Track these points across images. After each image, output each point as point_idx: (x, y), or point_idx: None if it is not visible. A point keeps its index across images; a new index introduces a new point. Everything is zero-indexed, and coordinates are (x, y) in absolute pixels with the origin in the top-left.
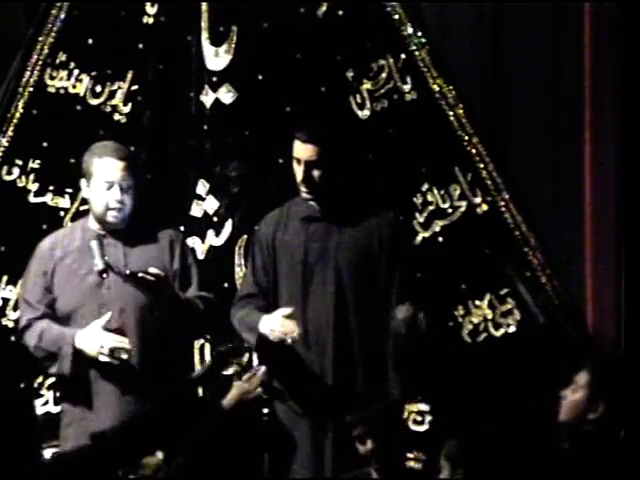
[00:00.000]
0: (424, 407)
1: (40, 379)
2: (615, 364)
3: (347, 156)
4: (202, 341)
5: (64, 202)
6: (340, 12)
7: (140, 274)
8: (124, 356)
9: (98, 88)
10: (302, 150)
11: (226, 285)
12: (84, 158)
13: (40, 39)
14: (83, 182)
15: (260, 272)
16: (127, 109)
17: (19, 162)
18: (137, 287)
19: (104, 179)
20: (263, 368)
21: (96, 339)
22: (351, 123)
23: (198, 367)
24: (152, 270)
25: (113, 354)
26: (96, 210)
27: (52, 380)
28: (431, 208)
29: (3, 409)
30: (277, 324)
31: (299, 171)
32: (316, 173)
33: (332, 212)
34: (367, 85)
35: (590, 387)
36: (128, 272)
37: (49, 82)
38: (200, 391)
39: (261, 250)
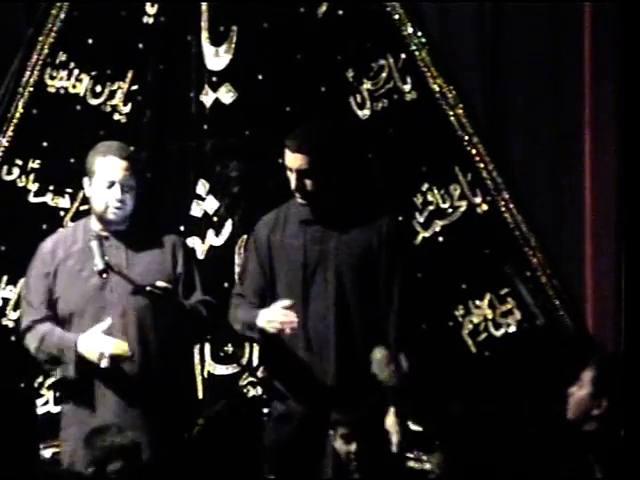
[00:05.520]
0: None
1: (40, 379)
2: (618, 360)
3: (340, 163)
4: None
5: (64, 202)
6: (340, 12)
7: (148, 287)
8: (124, 364)
9: (98, 88)
10: (292, 159)
11: (226, 285)
12: (88, 156)
13: (40, 39)
14: (86, 180)
15: (255, 274)
16: (127, 109)
17: (19, 162)
18: (144, 297)
19: (106, 178)
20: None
21: (96, 345)
22: (344, 129)
23: (198, 367)
24: (159, 283)
25: (114, 361)
26: (97, 209)
27: (52, 380)
28: (431, 208)
29: (5, 408)
30: (275, 315)
31: (292, 179)
32: (308, 182)
33: (329, 216)
34: (367, 85)
35: (594, 383)
36: (133, 288)
37: (49, 82)
38: (200, 392)
39: (257, 252)
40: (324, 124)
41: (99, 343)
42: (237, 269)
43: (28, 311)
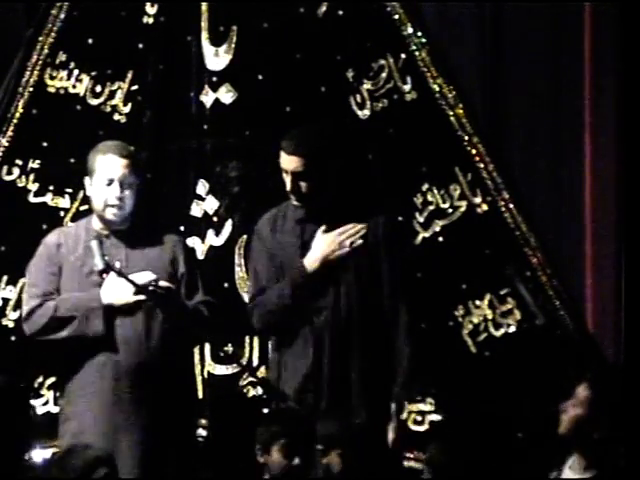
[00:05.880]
0: (424, 407)
1: (40, 379)
2: (616, 380)
3: (336, 165)
4: None
5: (64, 202)
6: (340, 12)
7: (151, 287)
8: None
9: (98, 88)
10: (287, 161)
11: (226, 285)
12: (89, 155)
13: (40, 39)
14: (87, 180)
15: (266, 268)
16: (127, 109)
17: (19, 162)
18: (147, 297)
19: (105, 176)
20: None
21: (125, 284)
22: (339, 131)
23: (198, 367)
24: (162, 283)
25: (149, 287)
26: (96, 207)
27: (52, 380)
28: (431, 208)
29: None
30: (335, 235)
31: (287, 181)
32: (303, 184)
33: (325, 217)
34: (367, 85)
35: (591, 405)
36: (137, 285)
37: (49, 82)
38: (200, 392)
39: (263, 247)
40: (320, 126)
41: (125, 283)
42: (238, 269)
43: (34, 294)
